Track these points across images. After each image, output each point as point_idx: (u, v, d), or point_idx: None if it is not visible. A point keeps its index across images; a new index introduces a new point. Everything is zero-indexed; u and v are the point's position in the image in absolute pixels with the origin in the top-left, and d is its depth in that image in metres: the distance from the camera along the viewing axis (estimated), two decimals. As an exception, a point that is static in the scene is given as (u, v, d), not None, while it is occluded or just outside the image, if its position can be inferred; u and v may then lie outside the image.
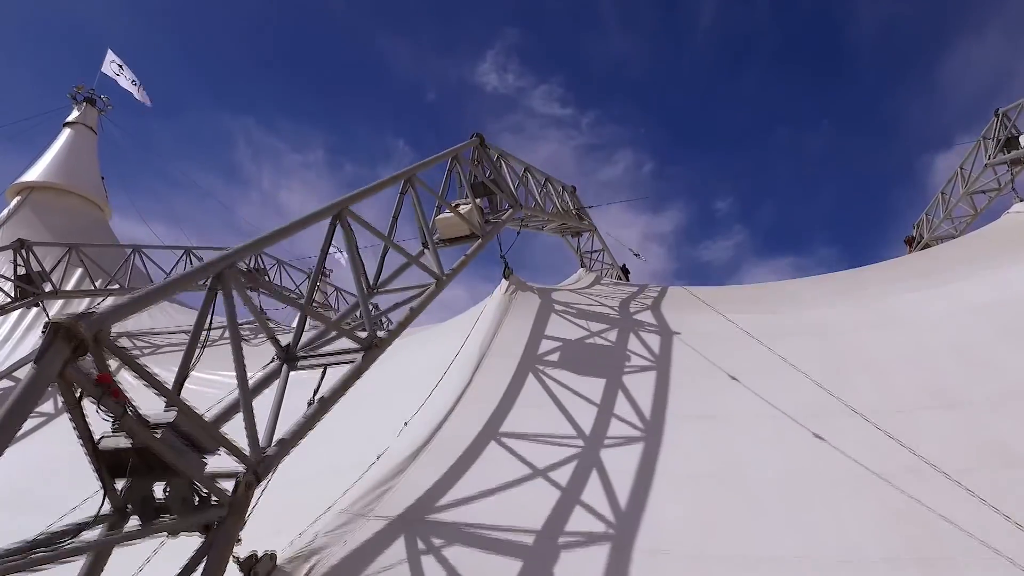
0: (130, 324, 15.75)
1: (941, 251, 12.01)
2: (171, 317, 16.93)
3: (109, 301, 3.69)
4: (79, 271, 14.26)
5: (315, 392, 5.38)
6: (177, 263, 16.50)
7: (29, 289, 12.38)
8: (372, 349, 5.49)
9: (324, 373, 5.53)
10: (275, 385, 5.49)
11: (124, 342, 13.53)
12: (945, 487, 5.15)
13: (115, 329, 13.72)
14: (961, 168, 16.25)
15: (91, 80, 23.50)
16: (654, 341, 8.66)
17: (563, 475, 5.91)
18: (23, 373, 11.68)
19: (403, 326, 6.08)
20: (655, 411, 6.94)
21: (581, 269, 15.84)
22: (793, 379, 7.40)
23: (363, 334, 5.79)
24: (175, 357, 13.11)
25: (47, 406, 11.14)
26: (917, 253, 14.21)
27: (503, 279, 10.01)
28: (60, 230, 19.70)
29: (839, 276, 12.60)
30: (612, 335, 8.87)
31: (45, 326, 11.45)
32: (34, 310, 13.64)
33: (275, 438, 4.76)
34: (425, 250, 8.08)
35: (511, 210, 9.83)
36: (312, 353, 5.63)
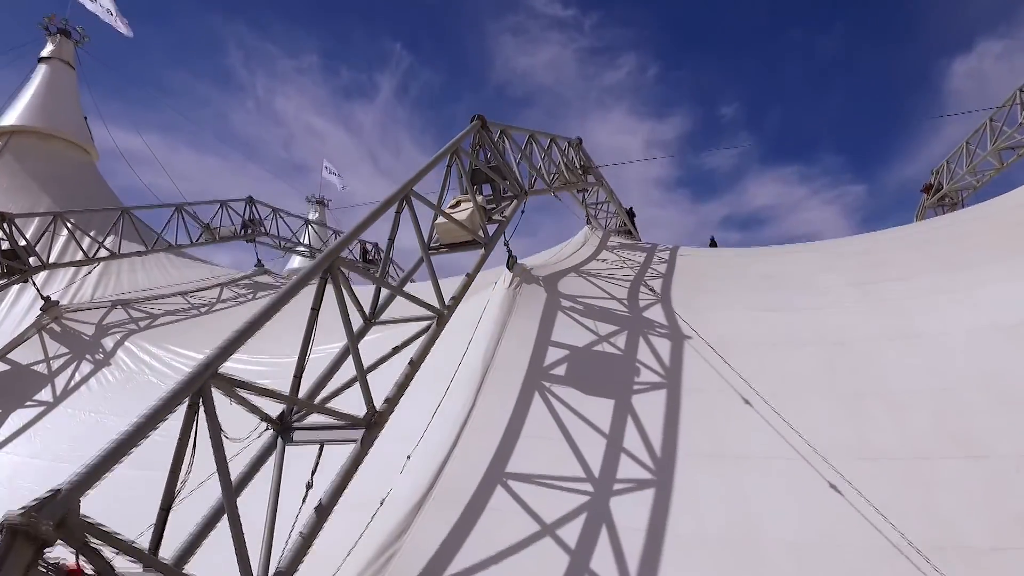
0: (125, 284, 15.43)
1: (966, 225, 11.39)
2: (166, 273, 16.57)
3: (74, 473, 3.15)
4: (65, 234, 13.74)
5: (312, 474, 5.13)
6: (168, 221, 15.97)
7: (15, 266, 11.95)
8: (372, 427, 5.17)
9: (321, 451, 5.25)
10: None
11: (119, 314, 13.26)
12: (971, 569, 4.98)
13: (107, 295, 13.30)
14: (991, 120, 15.34)
15: (64, 9, 22.01)
16: (664, 348, 8.34)
17: (571, 533, 5.76)
18: (18, 356, 11.51)
19: (402, 389, 5.73)
20: (666, 447, 6.73)
21: (586, 227, 15.30)
22: (808, 404, 7.16)
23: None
24: (170, 332, 12.94)
25: None
26: (939, 222, 13.56)
27: (506, 269, 9.57)
28: (46, 178, 19.00)
29: (854, 245, 12.15)
30: (621, 340, 8.54)
31: (42, 307, 10.93)
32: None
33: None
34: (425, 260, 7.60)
35: (515, 201, 9.24)
36: (305, 426, 5.31)
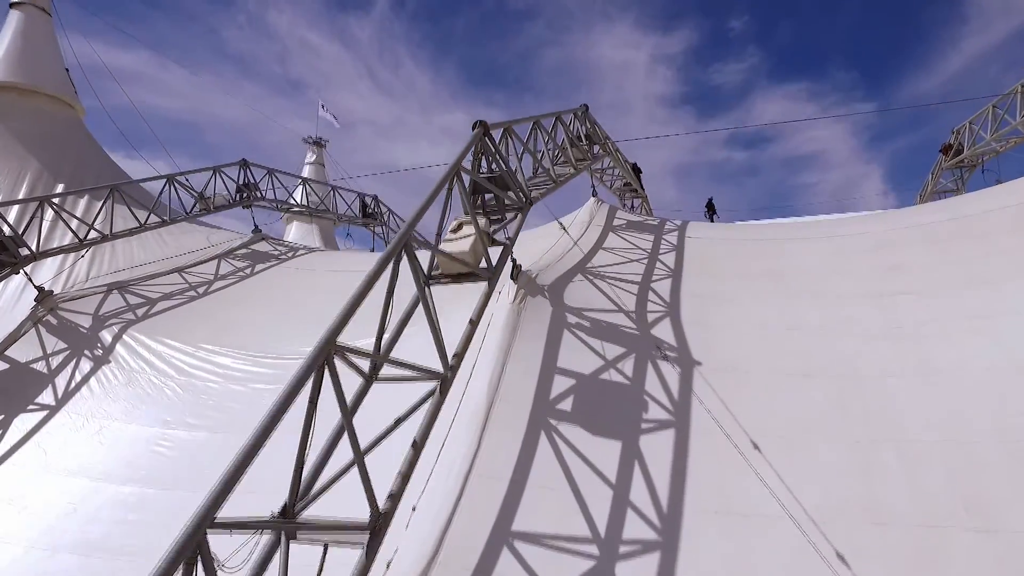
0: (120, 259, 15.10)
1: (992, 218, 10.85)
2: (162, 242, 16.17)
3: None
4: (52, 216, 13.28)
5: (317, 580, 5.04)
6: (160, 194, 15.46)
7: (4, 258, 11.61)
8: (377, 533, 5.03)
9: (324, 554, 5.14)
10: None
11: (116, 299, 13.02)
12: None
13: (102, 273, 13.10)
14: (1022, 86, 14.48)
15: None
16: (673, 377, 8.15)
17: (577, 607, 5.77)
18: (14, 352, 11.36)
19: (407, 480, 5.55)
20: (672, 501, 6.65)
21: (592, 200, 14.82)
22: (819, 451, 7.05)
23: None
24: (169, 321, 12.74)
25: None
26: (961, 205, 12.98)
27: (511, 280, 9.24)
28: (31, 138, 18.25)
29: (867, 234, 11.74)
30: (629, 365, 8.34)
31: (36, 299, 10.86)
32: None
33: None
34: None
35: (520, 215, 8.80)
36: (309, 524, 5.17)
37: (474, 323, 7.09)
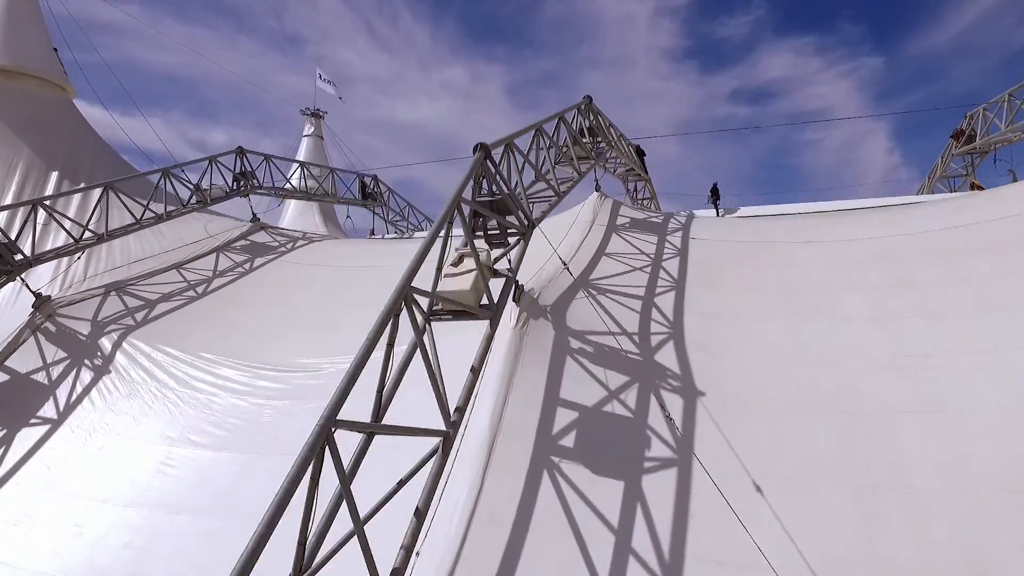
0: (117, 255, 14.92)
1: (1008, 227, 10.57)
2: (159, 234, 15.93)
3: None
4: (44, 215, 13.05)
5: None
6: (155, 189, 15.17)
7: (0, 267, 11.45)
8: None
9: None
10: None
11: (114, 302, 12.91)
12: None
13: (99, 271, 13.06)
14: (1042, 79, 14.02)
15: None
16: (677, 408, 8.08)
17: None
18: (14, 362, 11.29)
19: (409, 554, 5.52)
20: (674, 548, 6.66)
21: (594, 195, 14.54)
22: (823, 497, 7.04)
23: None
24: (168, 327, 12.64)
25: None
26: (974, 209, 12.66)
27: (513, 302, 9.09)
28: (20, 123, 17.89)
29: (875, 239, 11.55)
30: (632, 395, 8.27)
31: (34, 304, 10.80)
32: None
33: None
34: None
35: (522, 241, 8.60)
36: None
37: (476, 371, 6.98)
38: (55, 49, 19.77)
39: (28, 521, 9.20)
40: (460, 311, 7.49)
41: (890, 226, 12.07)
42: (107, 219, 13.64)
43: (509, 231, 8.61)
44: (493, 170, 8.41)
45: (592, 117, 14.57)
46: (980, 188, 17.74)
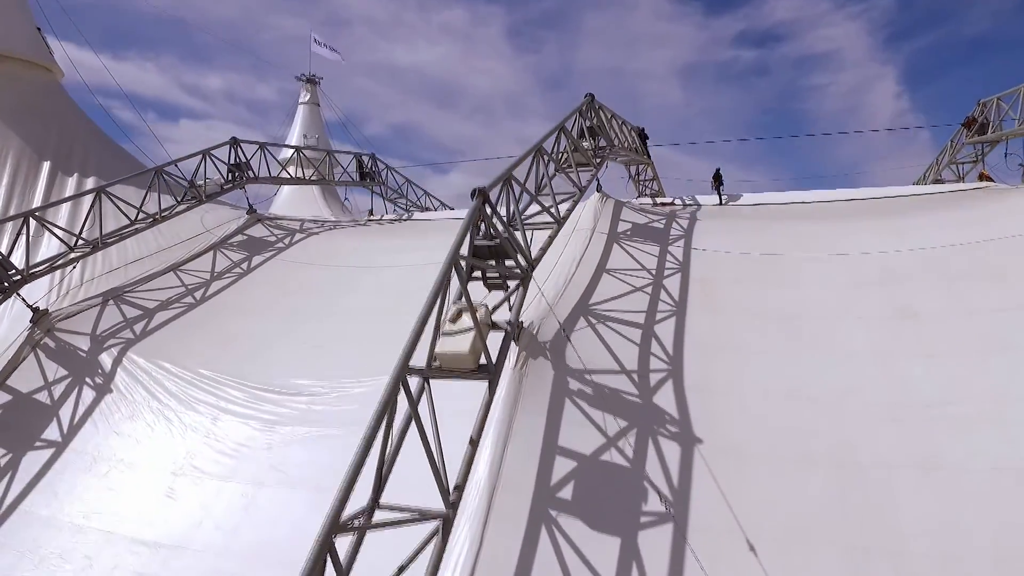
0: (113, 257, 14.75)
1: (1014, 259, 10.39)
2: (157, 233, 15.71)
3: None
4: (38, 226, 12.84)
5: None
6: (149, 188, 14.89)
7: (-5, 285, 11.36)
8: None
9: None
10: None
11: (112, 313, 12.86)
12: None
13: (95, 275, 12.94)
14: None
15: None
16: (674, 457, 8.14)
17: None
18: (17, 383, 11.34)
19: None
20: (669, 614, 6.83)
21: (595, 197, 14.31)
22: (814, 557, 7.17)
23: None
24: (167, 339, 12.62)
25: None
26: (985, 218, 12.40)
27: (513, 343, 9.02)
28: (9, 110, 17.48)
29: (879, 250, 11.43)
30: (630, 442, 8.31)
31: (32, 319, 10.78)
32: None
33: None
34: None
35: (522, 287, 8.48)
36: None
37: (475, 443, 6.99)
38: (38, 28, 19.07)
39: (38, 552, 9.42)
40: (458, 370, 7.46)
41: (893, 239, 11.91)
42: (101, 225, 13.44)
43: (509, 275, 8.47)
44: (491, 214, 8.21)
45: (594, 117, 14.19)
46: (989, 179, 17.39)
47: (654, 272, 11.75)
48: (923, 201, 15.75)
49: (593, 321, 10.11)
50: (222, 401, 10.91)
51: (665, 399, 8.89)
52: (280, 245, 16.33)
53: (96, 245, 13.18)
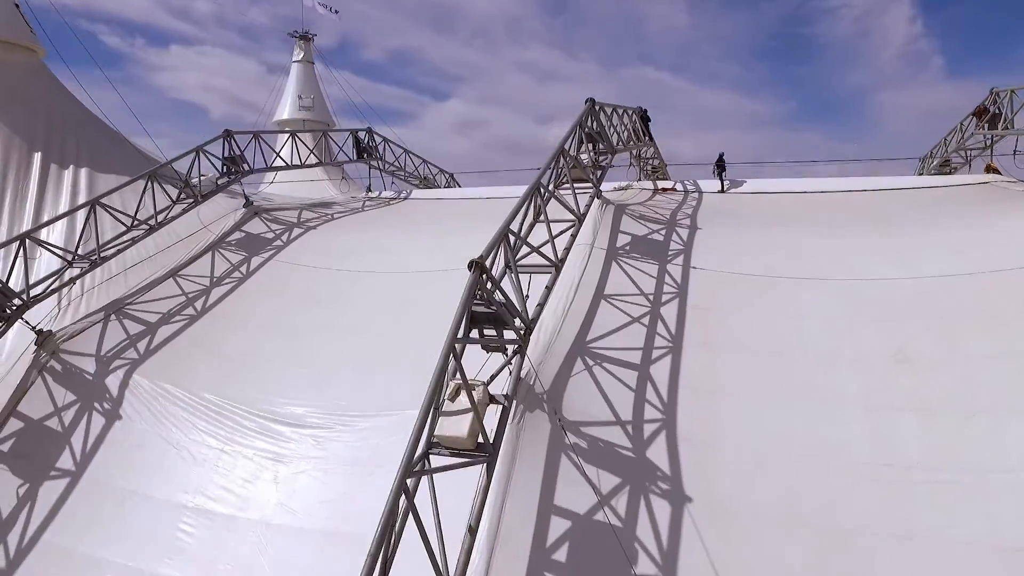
0: (113, 264, 14.72)
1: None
2: (155, 233, 15.62)
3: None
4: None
5: None
6: (143, 194, 14.72)
7: (-2, 313, 11.44)
8: None
9: None
10: None
11: (116, 330, 13.02)
12: None
13: (95, 285, 13.17)
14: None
15: None
16: (664, 515, 8.48)
17: None
18: (27, 409, 11.63)
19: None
20: None
21: (595, 204, 14.17)
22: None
23: None
24: (172, 359, 12.81)
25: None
26: (978, 231, 12.33)
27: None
28: (-9, 97, 17.07)
29: (882, 272, 11.48)
30: (623, 500, 8.63)
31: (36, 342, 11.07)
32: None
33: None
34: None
35: (519, 356, 8.59)
36: None
37: (473, 531, 7.28)
38: (16, 5, 18.28)
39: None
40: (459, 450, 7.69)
41: (892, 265, 11.91)
42: (98, 239, 13.39)
43: (507, 340, 8.56)
44: (491, 282, 8.22)
45: (594, 122, 13.85)
46: (996, 171, 17.12)
47: (652, 298, 11.80)
48: (924, 203, 15.66)
49: (590, 363, 10.27)
50: (227, 431, 11.20)
51: (658, 452, 9.15)
52: (278, 243, 16.28)
53: (94, 261, 13.16)
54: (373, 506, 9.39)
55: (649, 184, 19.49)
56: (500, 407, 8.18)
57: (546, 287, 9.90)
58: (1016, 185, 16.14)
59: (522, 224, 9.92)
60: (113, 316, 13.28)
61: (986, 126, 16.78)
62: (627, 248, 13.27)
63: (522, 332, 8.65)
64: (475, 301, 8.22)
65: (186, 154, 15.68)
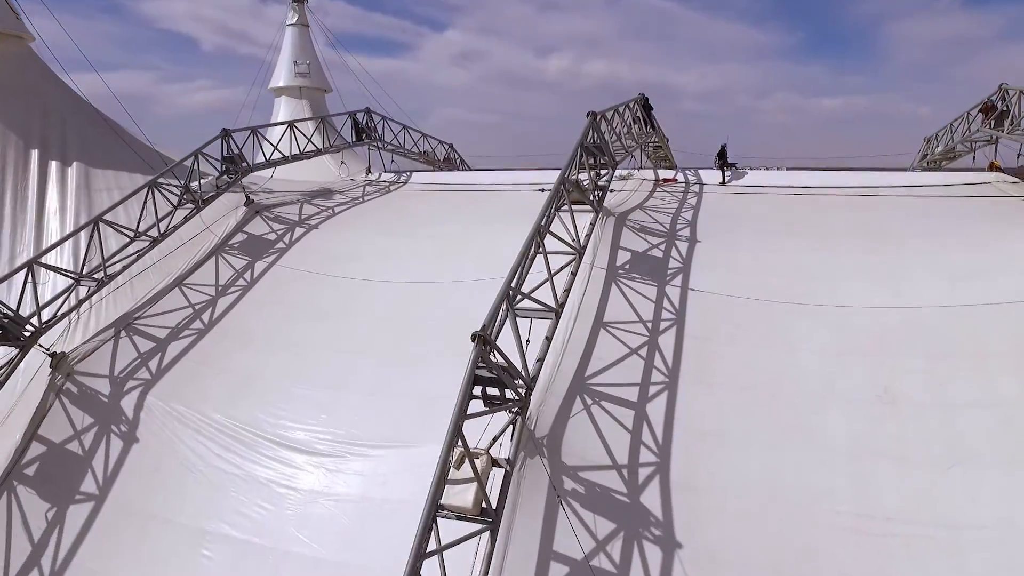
0: (119, 278, 14.92)
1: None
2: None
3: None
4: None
5: None
6: (145, 203, 14.74)
7: (12, 343, 11.71)
8: None
9: None
10: None
11: (127, 349, 13.36)
12: None
13: (101, 297, 13.18)
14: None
15: None
16: (656, 560, 9.07)
17: None
18: (48, 432, 12.11)
19: None
20: None
21: (596, 225, 14.23)
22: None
23: None
24: (183, 378, 13.22)
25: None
26: (977, 253, 12.49)
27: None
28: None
29: (873, 301, 11.80)
30: (617, 549, 9.21)
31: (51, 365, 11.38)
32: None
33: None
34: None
35: (519, 419, 8.95)
36: None
37: (477, 597, 7.84)
38: (-1, -6, 17.68)
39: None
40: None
41: (885, 291, 12.17)
42: (103, 258, 13.54)
43: (508, 400, 8.92)
44: (492, 351, 8.50)
45: (597, 137, 13.75)
46: (1000, 170, 17.05)
47: (650, 326, 12.09)
48: (923, 209, 15.72)
49: (589, 402, 10.67)
50: (239, 456, 11.70)
51: (651, 498, 9.66)
52: (281, 246, 16.41)
53: (102, 281, 13.35)
54: (382, 539, 10.18)
55: (650, 173, 19.43)
56: (503, 471, 8.61)
57: (546, 337, 10.16)
58: (1018, 187, 16.14)
59: (523, 274, 10.06)
60: (123, 333, 13.57)
61: (992, 123, 16.59)
62: (627, 267, 13.45)
63: (523, 392, 8.99)
64: (478, 366, 8.54)
65: (186, 158, 15.59)
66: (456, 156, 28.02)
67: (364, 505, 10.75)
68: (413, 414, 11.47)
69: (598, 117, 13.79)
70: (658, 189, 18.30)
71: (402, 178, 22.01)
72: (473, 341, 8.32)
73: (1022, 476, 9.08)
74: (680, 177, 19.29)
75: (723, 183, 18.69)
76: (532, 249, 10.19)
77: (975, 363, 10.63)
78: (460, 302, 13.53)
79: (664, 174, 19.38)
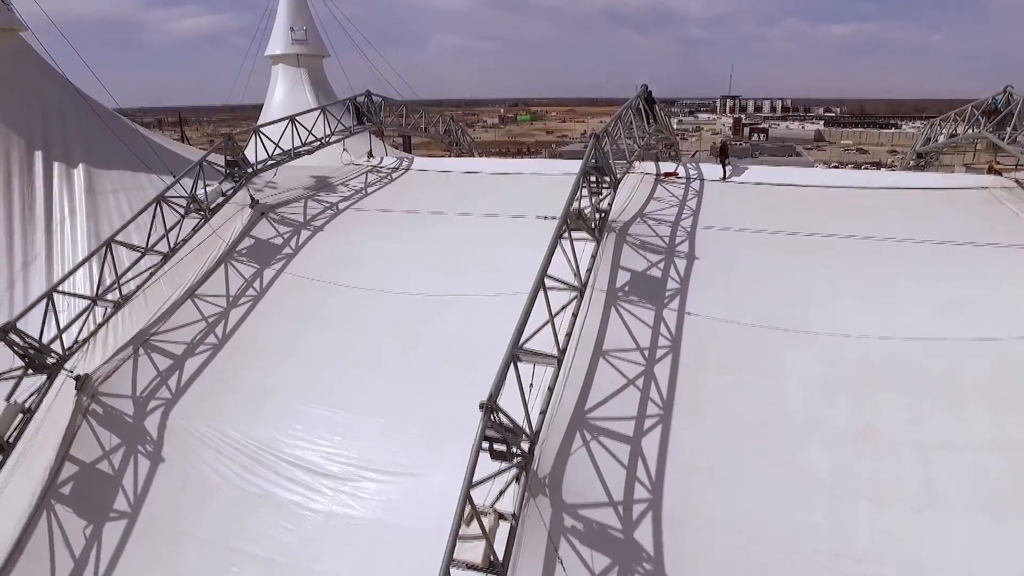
0: (130, 284, 15.33)
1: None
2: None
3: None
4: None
5: None
6: (154, 219, 14.97)
7: (39, 371, 12.26)
8: None
9: None
10: None
11: (147, 367, 13.93)
12: None
13: (120, 322, 13.73)
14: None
15: None
16: (647, 596, 9.98)
17: None
18: (78, 453, 12.84)
19: None
20: None
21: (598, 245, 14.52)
22: None
23: None
24: (202, 397, 13.81)
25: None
26: (972, 278, 12.86)
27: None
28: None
29: (863, 328, 12.32)
30: (612, 579, 10.10)
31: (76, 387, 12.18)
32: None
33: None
34: None
35: (524, 472, 9.60)
36: None
37: (487, 649, 8.71)
38: (-9, -15, 17.25)
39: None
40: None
41: (875, 319, 12.66)
42: (117, 278, 13.92)
43: (514, 453, 9.56)
44: (498, 417, 9.06)
45: (600, 158, 13.87)
46: (999, 173, 17.15)
47: (647, 354, 12.64)
48: (921, 214, 15.99)
49: (588, 437, 11.35)
50: (259, 477, 12.48)
51: (644, 534, 10.48)
52: (288, 250, 16.72)
53: (118, 303, 13.78)
54: (396, 562, 11.05)
55: (651, 168, 19.49)
56: (509, 525, 9.35)
57: (548, 388, 10.70)
58: (1016, 192, 16.32)
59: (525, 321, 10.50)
60: (141, 350, 14.12)
61: (992, 127, 16.60)
62: (625, 289, 13.86)
63: (527, 448, 9.63)
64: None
65: (190, 170, 15.69)
66: (458, 130, 27.79)
67: (379, 529, 11.59)
68: (420, 443, 12.18)
69: (603, 140, 13.86)
70: (659, 185, 18.45)
71: (403, 164, 22.00)
72: (481, 410, 8.88)
73: (986, 522, 9.83)
74: (681, 171, 19.37)
75: (724, 179, 18.81)
76: (538, 292, 10.59)
77: (953, 401, 11.23)
78: (466, 307, 14.17)
79: (665, 167, 19.44)
